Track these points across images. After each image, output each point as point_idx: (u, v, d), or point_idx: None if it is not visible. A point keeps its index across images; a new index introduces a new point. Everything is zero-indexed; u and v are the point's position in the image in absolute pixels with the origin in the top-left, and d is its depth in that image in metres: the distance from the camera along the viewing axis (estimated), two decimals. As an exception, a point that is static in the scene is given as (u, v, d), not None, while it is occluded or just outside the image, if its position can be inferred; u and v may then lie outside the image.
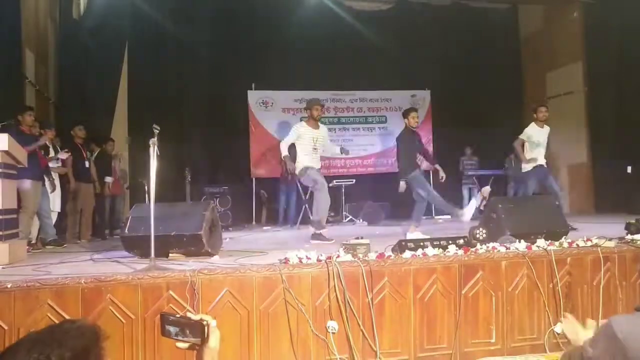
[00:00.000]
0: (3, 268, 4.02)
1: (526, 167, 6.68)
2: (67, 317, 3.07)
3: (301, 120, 6.19)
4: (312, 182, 5.83)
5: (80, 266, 4.15)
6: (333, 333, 3.51)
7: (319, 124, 6.06)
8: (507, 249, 4.06)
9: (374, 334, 3.56)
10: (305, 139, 5.92)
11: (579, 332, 1.89)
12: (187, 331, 1.30)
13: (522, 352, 3.88)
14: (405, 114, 6.36)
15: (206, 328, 1.28)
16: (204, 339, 1.28)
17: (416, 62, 10.50)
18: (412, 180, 6.08)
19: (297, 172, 5.92)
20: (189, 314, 1.34)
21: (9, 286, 3.08)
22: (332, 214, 9.52)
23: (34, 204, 5.65)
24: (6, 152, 4.39)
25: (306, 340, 3.49)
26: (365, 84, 10.49)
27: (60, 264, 4.22)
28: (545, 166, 6.73)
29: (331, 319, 3.53)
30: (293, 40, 9.95)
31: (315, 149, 5.94)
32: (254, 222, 9.68)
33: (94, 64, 9.11)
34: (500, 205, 4.79)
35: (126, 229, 4.36)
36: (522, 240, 4.17)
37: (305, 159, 5.88)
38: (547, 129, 6.78)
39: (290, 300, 3.47)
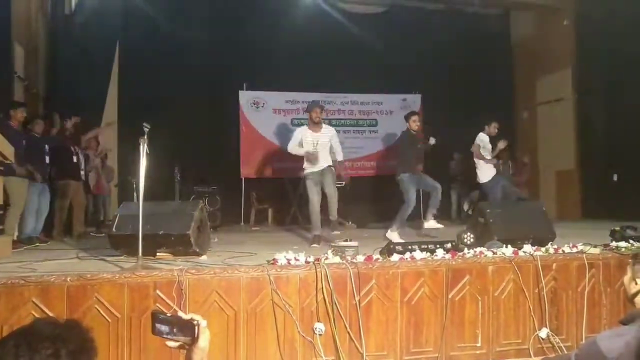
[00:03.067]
0: (-13, 264, 3.98)
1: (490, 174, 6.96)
2: (52, 315, 3.04)
3: (297, 126, 6.32)
4: (306, 191, 6.00)
5: (66, 264, 4.12)
6: (320, 335, 3.51)
7: (324, 125, 6.10)
8: (494, 253, 4.09)
9: (361, 336, 3.57)
10: (306, 142, 5.99)
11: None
12: (177, 330, 1.29)
13: (507, 356, 3.92)
14: (407, 118, 6.66)
15: (196, 328, 1.28)
16: (194, 339, 1.28)
17: (407, 66, 10.53)
18: (400, 181, 6.38)
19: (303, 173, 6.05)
20: (179, 313, 1.34)
21: (-7, 283, 3.05)
22: (321, 217, 9.53)
23: (21, 200, 5.57)
24: (-8, 148, 4.35)
25: (293, 342, 3.49)
26: (356, 86, 10.49)
27: (45, 261, 4.19)
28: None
29: (318, 321, 3.53)
30: (285, 42, 9.94)
31: (314, 147, 5.97)
32: (242, 223, 9.65)
33: (84, 60, 9.03)
34: (488, 210, 4.83)
35: (114, 227, 4.33)
36: (509, 245, 4.20)
37: (307, 164, 5.98)
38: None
39: (277, 302, 3.47)
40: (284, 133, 9.51)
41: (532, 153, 11.06)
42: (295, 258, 3.68)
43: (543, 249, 4.24)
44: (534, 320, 3.96)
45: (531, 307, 3.96)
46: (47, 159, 6.38)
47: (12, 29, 7.00)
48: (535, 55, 11.26)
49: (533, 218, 4.97)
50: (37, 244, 5.80)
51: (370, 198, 9.77)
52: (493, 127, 7.06)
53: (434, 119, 10.62)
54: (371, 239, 6.04)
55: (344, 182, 9.67)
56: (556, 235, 4.78)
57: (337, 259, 3.73)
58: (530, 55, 11.39)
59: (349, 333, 3.57)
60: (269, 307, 3.47)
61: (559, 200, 10.59)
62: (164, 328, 1.31)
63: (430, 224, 6.29)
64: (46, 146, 6.41)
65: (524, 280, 3.96)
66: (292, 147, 6.07)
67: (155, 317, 1.33)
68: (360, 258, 3.80)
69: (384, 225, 8.55)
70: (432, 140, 6.66)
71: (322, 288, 3.54)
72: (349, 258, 3.77)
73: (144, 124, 3.80)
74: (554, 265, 4.07)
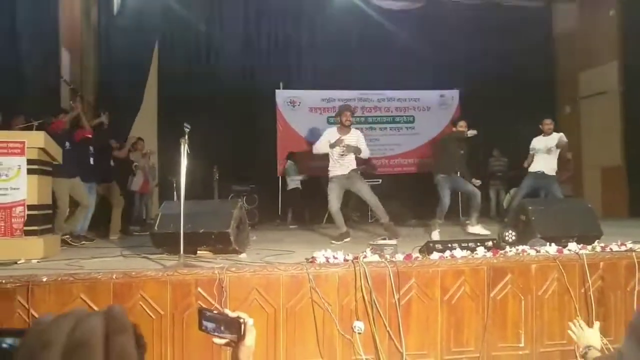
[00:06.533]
0: (38, 262, 4.14)
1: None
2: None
3: (332, 125, 6.33)
4: (328, 194, 6.00)
5: (111, 262, 4.24)
6: (359, 333, 3.51)
7: (352, 129, 6.15)
8: (537, 252, 3.99)
9: (400, 335, 3.55)
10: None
11: (583, 332, 2.02)
12: (224, 328, 1.31)
13: (551, 357, 3.81)
14: (454, 123, 6.99)
15: (243, 326, 1.29)
16: (241, 337, 1.28)
17: (445, 62, 10.38)
18: (437, 182, 6.53)
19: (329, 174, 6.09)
20: (226, 311, 1.36)
21: (44, 280, 3.17)
22: (358, 214, 9.50)
23: (63, 202, 5.76)
24: (42, 149, 4.52)
25: (332, 340, 3.50)
26: (392, 83, 10.41)
27: (91, 259, 4.32)
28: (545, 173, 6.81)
29: (357, 319, 3.52)
30: (321, 40, 9.97)
31: (342, 155, 6.00)
32: (279, 221, 9.73)
33: (126, 62, 9.28)
34: (530, 207, 4.71)
35: (156, 226, 4.44)
36: (552, 244, 4.09)
37: (332, 166, 6.04)
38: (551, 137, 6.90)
39: (316, 300, 3.48)
40: (320, 132, 9.52)
41: (575, 149, 10.71)
42: (334, 256, 3.68)
43: (589, 247, 4.11)
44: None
45: (577, 307, 3.84)
46: (92, 160, 6.56)
47: (60, 34, 7.25)
48: (578, 48, 10.89)
49: (578, 215, 4.82)
50: (84, 242, 6.00)
51: (408, 195, 9.67)
52: (546, 125, 6.98)
53: (472, 115, 10.36)
54: (409, 237, 5.99)
55: (380, 181, 9.66)
56: (603, 233, 4.62)
57: (375, 257, 3.71)
58: (574, 48, 11.02)
59: (388, 332, 3.55)
60: (308, 305, 3.48)
61: (604, 197, 10.22)
62: (210, 325, 1.33)
63: (476, 228, 6.35)
64: (91, 148, 6.60)
65: (569, 280, 3.85)
66: (321, 147, 6.13)
67: (202, 314, 1.34)
68: (400, 256, 3.77)
69: (423, 223, 8.48)
70: (471, 132, 6.60)
71: (361, 286, 3.53)
72: (387, 256, 3.75)
73: (185, 124, 3.86)
74: (601, 264, 3.94)
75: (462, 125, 6.66)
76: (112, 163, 7.40)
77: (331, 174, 6.05)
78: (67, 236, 5.70)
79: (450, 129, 6.93)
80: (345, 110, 6.19)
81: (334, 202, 5.95)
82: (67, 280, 3.21)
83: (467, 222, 6.68)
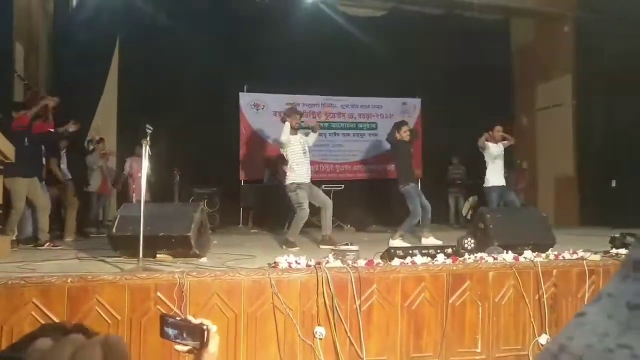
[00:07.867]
0: (-14, 264, 3.96)
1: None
2: (52, 316, 3.03)
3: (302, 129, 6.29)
4: (298, 204, 5.80)
5: (66, 265, 4.10)
6: (320, 339, 3.51)
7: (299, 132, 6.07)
8: (494, 259, 4.10)
9: (361, 340, 3.57)
10: (294, 143, 5.95)
11: None
12: (187, 334, 1.28)
13: (506, 362, 3.92)
14: (398, 128, 6.64)
15: (206, 332, 1.26)
16: (204, 344, 1.26)
17: (408, 70, 10.55)
18: (405, 192, 6.34)
19: (286, 183, 5.94)
20: (189, 317, 1.33)
21: (-7, 283, 3.03)
22: (319, 218, 9.52)
23: (21, 202, 5.53)
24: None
25: (293, 346, 3.48)
26: (356, 89, 10.51)
27: (45, 261, 4.17)
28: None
29: (319, 325, 3.53)
30: (286, 44, 9.94)
31: (304, 152, 5.98)
32: (240, 225, 9.64)
33: (84, 59, 9.01)
34: (488, 216, 4.83)
35: (114, 228, 4.32)
36: (509, 251, 4.21)
37: (298, 169, 5.89)
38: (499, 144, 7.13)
39: (278, 305, 3.46)
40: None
41: (531, 159, 11.08)
42: (296, 261, 3.67)
43: (543, 255, 4.25)
44: (533, 327, 3.97)
45: (531, 313, 3.96)
46: (44, 160, 6.32)
47: (14, 28, 6.98)
48: (535, 61, 11.30)
49: (533, 224, 4.98)
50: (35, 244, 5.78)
51: (369, 201, 9.76)
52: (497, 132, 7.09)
53: (433, 123, 10.64)
54: (371, 242, 6.04)
55: (342, 186, 9.72)
56: (556, 242, 4.78)
57: (338, 263, 3.72)
58: (530, 61, 11.43)
59: (349, 337, 3.56)
60: (269, 310, 3.46)
61: (557, 206, 10.61)
62: (172, 332, 1.30)
63: (430, 240, 6.19)
64: (42, 147, 6.33)
65: (525, 286, 3.97)
66: (285, 137, 5.85)
67: (164, 320, 1.31)
68: (361, 262, 3.79)
69: (383, 228, 8.57)
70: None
71: (323, 292, 3.53)
72: (350, 262, 3.77)
73: (147, 125, 3.79)
74: (555, 271, 4.08)
75: (405, 131, 6.57)
76: (63, 164, 7.16)
77: (299, 180, 5.85)
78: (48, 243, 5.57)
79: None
80: (294, 112, 6.01)
81: (307, 211, 5.84)
82: (18, 284, 3.07)
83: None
